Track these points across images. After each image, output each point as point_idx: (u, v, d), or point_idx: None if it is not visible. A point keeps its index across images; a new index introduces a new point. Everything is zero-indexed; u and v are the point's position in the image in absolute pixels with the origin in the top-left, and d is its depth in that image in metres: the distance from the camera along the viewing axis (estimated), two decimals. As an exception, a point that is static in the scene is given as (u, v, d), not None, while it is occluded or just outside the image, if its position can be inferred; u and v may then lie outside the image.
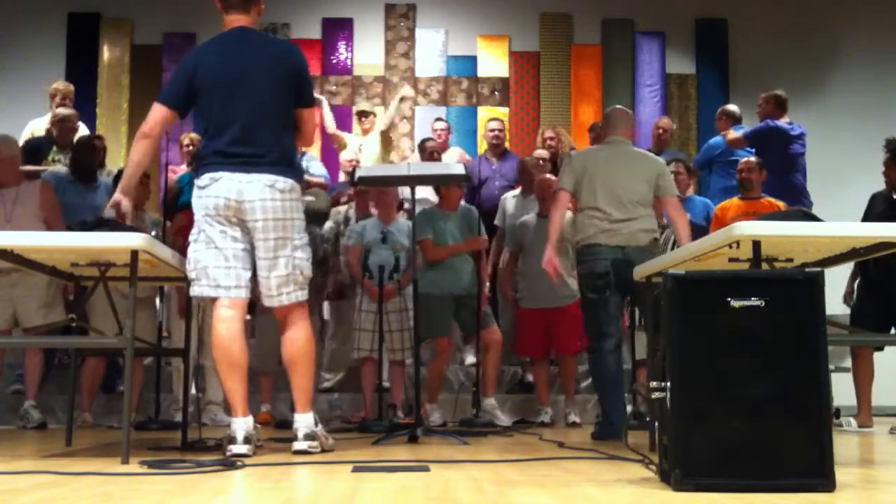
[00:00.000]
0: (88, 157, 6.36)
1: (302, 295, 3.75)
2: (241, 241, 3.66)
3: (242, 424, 3.56)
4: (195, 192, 3.71)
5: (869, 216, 5.65)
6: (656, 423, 2.91)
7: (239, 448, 3.49)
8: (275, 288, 3.69)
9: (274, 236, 3.64)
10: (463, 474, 2.96)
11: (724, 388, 2.53)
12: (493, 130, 7.71)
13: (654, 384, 2.63)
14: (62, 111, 6.87)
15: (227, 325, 3.63)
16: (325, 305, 6.88)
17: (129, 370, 3.52)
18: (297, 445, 3.65)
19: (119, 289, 4.60)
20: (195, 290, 3.70)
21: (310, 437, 3.67)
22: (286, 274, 3.68)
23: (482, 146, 7.91)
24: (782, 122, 6.85)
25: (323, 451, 3.71)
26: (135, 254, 3.42)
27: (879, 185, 5.78)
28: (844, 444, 4.50)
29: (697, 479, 2.48)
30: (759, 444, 2.49)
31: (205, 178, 3.65)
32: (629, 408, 6.34)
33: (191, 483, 2.70)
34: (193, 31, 9.39)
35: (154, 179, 7.67)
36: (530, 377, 6.70)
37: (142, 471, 3.05)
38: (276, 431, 5.33)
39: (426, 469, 3.10)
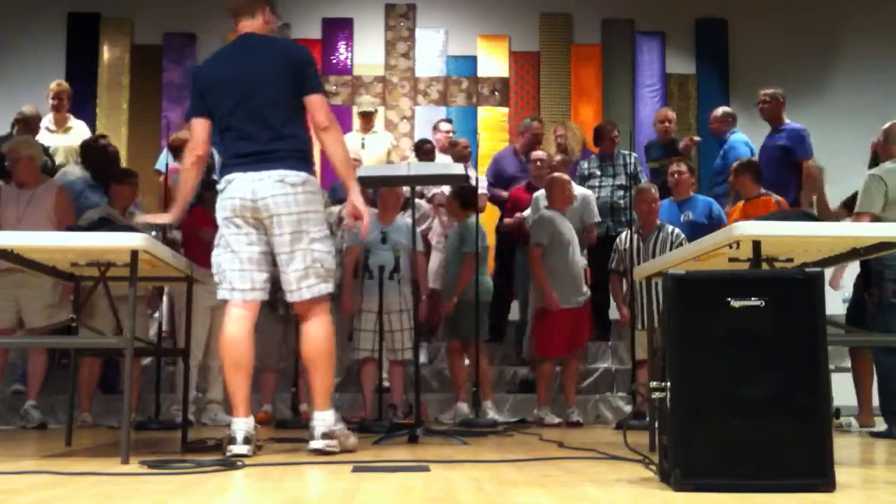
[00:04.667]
0: (99, 159, 6.39)
1: (325, 288, 3.73)
2: (257, 242, 3.69)
3: (243, 424, 3.56)
4: (218, 196, 3.76)
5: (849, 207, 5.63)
6: (656, 423, 2.92)
7: (239, 448, 3.49)
8: (294, 282, 3.68)
9: (290, 230, 3.64)
10: (463, 474, 2.96)
11: (724, 388, 2.52)
12: (537, 134, 7.59)
13: (654, 384, 2.63)
14: (26, 110, 6.90)
15: (237, 325, 3.65)
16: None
17: (129, 370, 3.52)
18: (314, 444, 3.62)
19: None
20: (219, 294, 3.73)
21: (327, 435, 3.63)
22: (304, 267, 3.67)
23: (483, 147, 7.89)
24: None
25: (343, 451, 3.66)
26: (135, 254, 3.43)
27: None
28: (844, 444, 4.50)
29: (697, 479, 2.48)
30: (759, 444, 2.49)
31: (222, 182, 3.72)
32: (629, 408, 6.36)
33: (191, 483, 2.70)
34: (193, 31, 9.40)
35: (153, 180, 7.70)
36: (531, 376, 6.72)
37: (142, 471, 3.05)
38: (276, 431, 5.33)
39: (426, 469, 3.10)
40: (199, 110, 3.82)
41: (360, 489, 2.59)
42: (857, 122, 8.79)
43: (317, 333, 3.74)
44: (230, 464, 3.18)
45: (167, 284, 5.60)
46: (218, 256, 3.72)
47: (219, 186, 3.74)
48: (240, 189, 3.64)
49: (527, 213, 6.85)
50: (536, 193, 6.79)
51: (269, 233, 3.67)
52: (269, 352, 6.30)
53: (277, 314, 6.23)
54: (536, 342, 6.19)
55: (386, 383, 5.87)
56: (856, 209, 5.04)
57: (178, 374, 5.93)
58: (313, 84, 3.81)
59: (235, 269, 3.67)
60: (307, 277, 3.68)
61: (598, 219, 6.75)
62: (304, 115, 3.81)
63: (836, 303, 6.14)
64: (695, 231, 5.80)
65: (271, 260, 3.73)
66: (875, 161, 5.72)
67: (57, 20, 9.33)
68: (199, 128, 3.81)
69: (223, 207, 3.69)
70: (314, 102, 3.77)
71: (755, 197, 6.05)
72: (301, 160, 3.72)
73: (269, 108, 3.69)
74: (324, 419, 3.67)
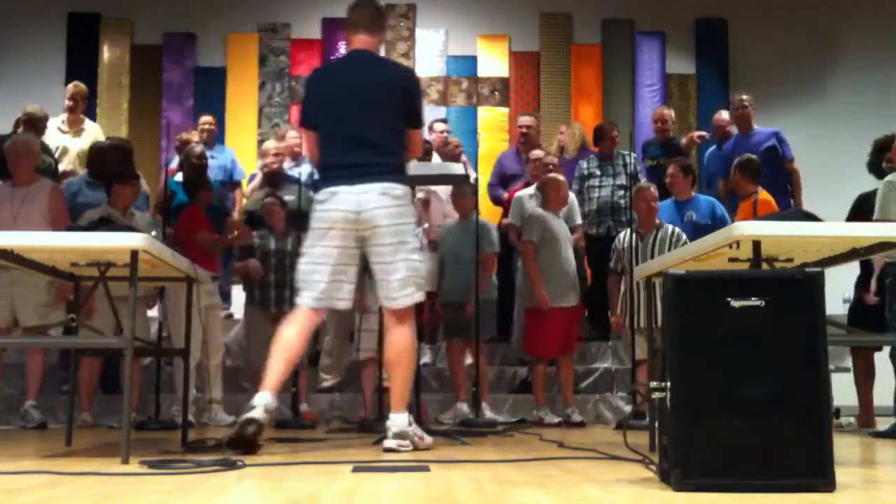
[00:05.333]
0: (106, 159, 6.40)
1: (420, 296, 3.92)
2: (349, 255, 3.87)
3: (264, 398, 3.72)
4: (314, 206, 3.92)
5: (859, 216, 5.63)
6: (656, 423, 2.91)
7: (255, 413, 3.64)
8: (396, 290, 3.85)
9: (392, 241, 3.81)
10: (463, 474, 2.96)
11: (724, 388, 2.52)
12: (521, 126, 7.57)
13: (654, 384, 2.63)
14: (31, 109, 6.88)
15: (298, 328, 3.87)
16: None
17: (129, 370, 3.52)
18: (387, 444, 3.80)
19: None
20: (302, 300, 3.90)
21: (399, 436, 3.80)
22: (406, 276, 3.84)
23: (483, 146, 7.89)
24: None
25: (416, 449, 3.82)
26: (135, 254, 3.42)
27: (877, 184, 5.77)
28: (844, 444, 4.50)
29: (697, 479, 2.47)
30: (759, 444, 2.48)
31: (324, 193, 3.88)
32: (629, 408, 6.36)
33: (191, 483, 2.70)
34: (193, 31, 9.40)
35: (153, 180, 7.71)
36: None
37: (142, 471, 3.05)
38: (275, 431, 5.33)
39: (426, 469, 3.11)
40: (309, 121, 4.04)
41: (360, 489, 2.59)
42: (856, 121, 8.81)
43: (399, 339, 3.90)
44: (230, 464, 3.18)
45: (167, 284, 5.59)
46: (307, 264, 3.89)
47: (319, 196, 3.91)
48: (344, 201, 3.82)
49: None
50: (518, 193, 6.80)
51: (369, 243, 3.84)
52: (262, 354, 6.30)
53: (268, 314, 6.24)
54: (528, 342, 6.18)
55: (386, 383, 5.86)
56: (875, 216, 5.06)
57: (178, 374, 5.93)
58: (418, 118, 4.10)
59: (324, 281, 3.85)
60: (408, 286, 3.86)
61: (580, 221, 6.76)
62: (404, 135, 4.02)
63: (836, 303, 6.14)
64: (698, 232, 5.78)
65: (358, 271, 3.93)
66: (878, 157, 5.71)
67: (57, 20, 9.32)
68: (312, 140, 4.04)
69: (323, 218, 3.85)
70: (414, 136, 4.07)
71: (749, 195, 6.07)
72: (400, 174, 3.93)
73: (378, 127, 3.90)
74: (396, 421, 3.85)
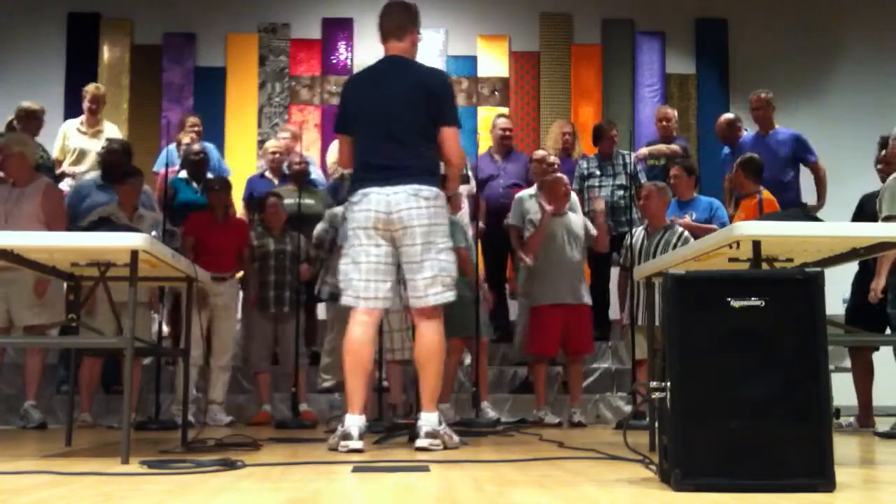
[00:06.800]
0: (115, 160, 6.43)
1: (450, 296, 3.98)
2: (384, 254, 3.93)
3: (357, 421, 3.81)
4: (348, 207, 4.04)
5: (861, 218, 5.62)
6: (656, 423, 2.91)
7: (355, 444, 3.76)
8: (422, 289, 3.92)
9: (421, 241, 3.89)
10: (463, 474, 2.96)
11: (724, 388, 2.52)
12: (504, 129, 7.53)
13: (654, 384, 2.63)
14: (28, 104, 6.87)
15: (362, 329, 3.95)
16: (322, 306, 6.90)
17: (129, 370, 3.52)
18: (419, 443, 3.85)
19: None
20: (343, 300, 4.03)
21: (431, 435, 3.85)
22: (433, 275, 3.91)
23: (483, 146, 7.88)
24: None
25: (446, 448, 3.87)
26: (135, 254, 3.42)
27: (879, 185, 5.77)
28: (844, 444, 4.50)
29: (697, 479, 2.47)
30: (759, 444, 2.48)
31: (357, 195, 3.98)
32: (629, 408, 6.36)
33: (191, 483, 2.70)
34: (193, 31, 9.40)
35: (151, 180, 7.69)
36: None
37: (142, 471, 3.05)
38: (276, 431, 5.34)
39: (426, 469, 3.11)
40: (344, 127, 4.13)
41: (360, 489, 2.59)
42: (857, 121, 8.81)
43: (430, 338, 3.96)
44: (230, 464, 3.18)
45: (168, 284, 5.59)
46: (346, 265, 4.00)
47: (353, 198, 4.00)
48: (376, 202, 3.91)
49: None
50: (519, 194, 6.76)
51: (399, 243, 3.91)
52: (261, 354, 6.33)
53: (268, 314, 6.24)
54: (530, 341, 6.17)
55: (385, 383, 5.87)
56: (886, 213, 5.04)
57: (178, 374, 5.93)
58: (447, 116, 4.07)
59: (361, 280, 3.93)
60: (434, 285, 3.92)
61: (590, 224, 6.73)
62: (436, 136, 4.05)
63: (836, 303, 6.14)
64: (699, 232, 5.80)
65: (395, 270, 3.98)
66: (881, 152, 5.70)
67: (57, 20, 9.32)
68: (345, 145, 4.16)
69: (357, 218, 3.95)
70: (444, 134, 4.05)
71: (750, 194, 6.07)
72: (431, 176, 3.99)
73: (406, 130, 3.97)
74: (428, 420, 3.90)
